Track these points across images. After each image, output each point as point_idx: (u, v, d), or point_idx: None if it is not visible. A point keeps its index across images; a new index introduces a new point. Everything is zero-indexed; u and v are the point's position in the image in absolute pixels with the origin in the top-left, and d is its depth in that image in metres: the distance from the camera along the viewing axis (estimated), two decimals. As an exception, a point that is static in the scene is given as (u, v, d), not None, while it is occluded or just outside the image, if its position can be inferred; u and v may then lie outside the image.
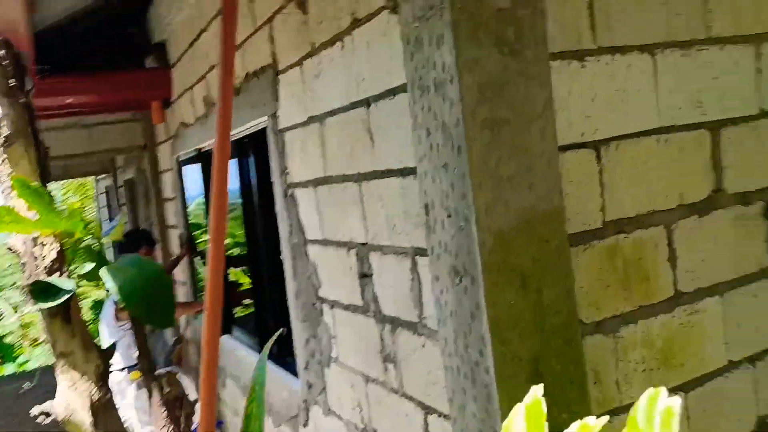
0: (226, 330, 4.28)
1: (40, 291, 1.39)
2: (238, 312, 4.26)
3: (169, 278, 1.32)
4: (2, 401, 7.36)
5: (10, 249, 1.47)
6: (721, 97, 1.81)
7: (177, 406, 1.32)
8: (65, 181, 13.93)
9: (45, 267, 1.44)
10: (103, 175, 10.98)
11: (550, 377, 1.45)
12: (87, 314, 14.28)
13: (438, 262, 1.56)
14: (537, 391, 0.43)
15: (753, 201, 1.86)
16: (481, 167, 1.39)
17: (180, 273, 5.45)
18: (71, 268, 1.49)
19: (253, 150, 3.25)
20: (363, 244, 2.12)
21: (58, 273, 1.45)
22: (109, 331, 4.45)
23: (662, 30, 1.73)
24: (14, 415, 6.69)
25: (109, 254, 10.83)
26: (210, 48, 3.67)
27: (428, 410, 1.88)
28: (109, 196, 10.92)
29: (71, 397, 1.44)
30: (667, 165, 1.72)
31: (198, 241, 5.00)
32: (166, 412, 1.32)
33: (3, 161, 1.47)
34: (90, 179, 14.60)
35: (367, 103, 1.97)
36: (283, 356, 3.12)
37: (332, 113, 2.21)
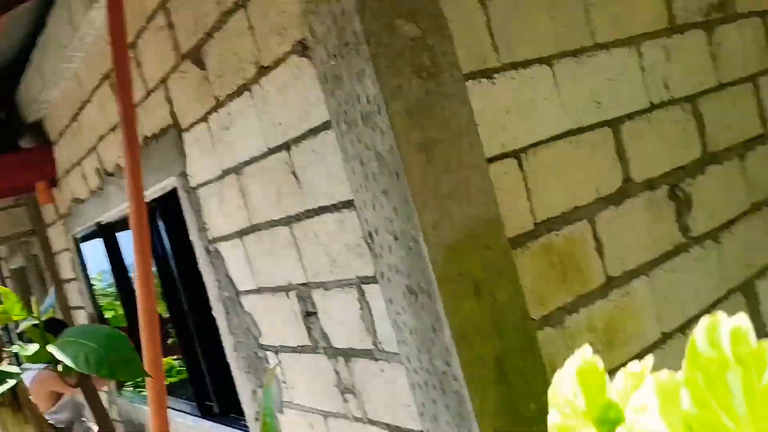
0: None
1: (-16, 382, 1.30)
2: (167, 381, 4.08)
3: (121, 334, 1.28)
4: None
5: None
6: (616, 96, 1.99)
7: None
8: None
9: (-14, 357, 1.35)
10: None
11: (515, 373, 1.52)
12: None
13: (390, 285, 1.60)
14: (586, 351, 0.40)
15: (658, 186, 2.04)
16: (422, 188, 1.46)
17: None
18: (13, 350, 1.41)
19: (163, 214, 3.17)
20: (303, 284, 2.13)
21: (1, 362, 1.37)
22: None
23: (554, 42, 1.88)
24: None
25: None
26: (97, 119, 3.56)
27: (396, 431, 1.90)
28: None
29: (38, 489, 1.35)
30: (581, 164, 1.86)
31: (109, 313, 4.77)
32: None
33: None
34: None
35: (287, 146, 2.00)
36: (226, 413, 3.03)
37: (249, 162, 2.22)
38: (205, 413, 3.35)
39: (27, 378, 4.11)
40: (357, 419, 2.06)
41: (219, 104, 2.29)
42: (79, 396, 4.66)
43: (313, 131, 1.86)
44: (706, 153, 2.24)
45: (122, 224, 4.02)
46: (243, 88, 2.14)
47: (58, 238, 5.13)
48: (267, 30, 1.96)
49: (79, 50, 3.35)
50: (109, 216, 3.87)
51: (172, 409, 3.95)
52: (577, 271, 1.80)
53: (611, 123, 1.97)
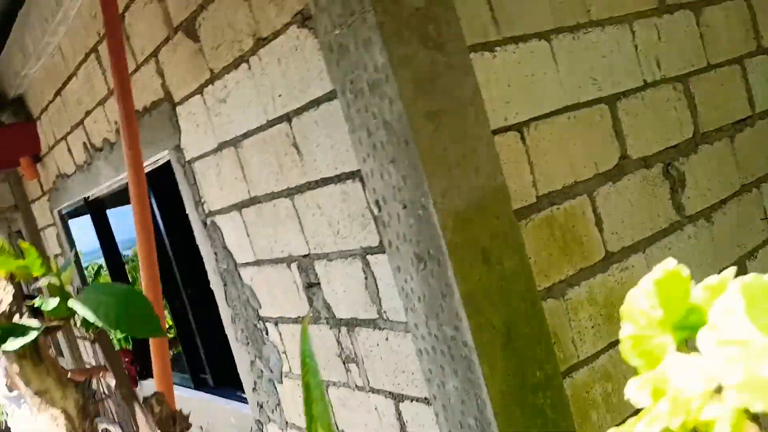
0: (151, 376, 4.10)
1: (4, 334, 1.31)
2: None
3: (139, 291, 1.29)
4: None
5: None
6: (611, 73, 2.02)
7: (171, 424, 1.29)
8: None
9: (3, 312, 1.35)
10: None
11: (521, 340, 1.55)
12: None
13: (398, 254, 1.63)
14: (669, 262, 0.39)
15: (653, 164, 2.08)
16: (431, 156, 1.48)
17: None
18: (35, 305, 1.42)
19: (155, 188, 3.16)
20: (305, 256, 2.14)
21: (18, 315, 1.37)
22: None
23: (552, 17, 1.90)
24: None
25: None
26: (83, 94, 3.52)
27: (399, 398, 1.93)
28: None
29: (55, 439, 1.36)
30: (580, 139, 1.89)
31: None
32: (159, 431, 1.29)
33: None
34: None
35: (287, 118, 2.00)
36: (220, 385, 3.05)
37: (248, 135, 2.22)
38: (199, 385, 3.37)
39: None
40: (359, 388, 2.09)
41: (214, 77, 2.28)
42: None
43: (315, 102, 1.87)
44: (698, 132, 2.28)
45: (112, 200, 3.99)
46: (240, 60, 2.14)
47: (43, 214, 5.07)
48: (264, 1, 1.95)
49: (63, 24, 3.30)
50: (97, 191, 3.84)
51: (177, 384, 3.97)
52: (578, 244, 1.83)
53: (607, 100, 2.00)
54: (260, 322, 2.54)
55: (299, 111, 1.93)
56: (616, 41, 2.05)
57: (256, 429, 2.78)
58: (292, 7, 1.85)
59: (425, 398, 1.86)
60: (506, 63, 1.78)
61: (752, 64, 2.56)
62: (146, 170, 2.97)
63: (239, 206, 2.41)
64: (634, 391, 0.39)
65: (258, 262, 2.42)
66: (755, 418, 0.32)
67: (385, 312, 1.89)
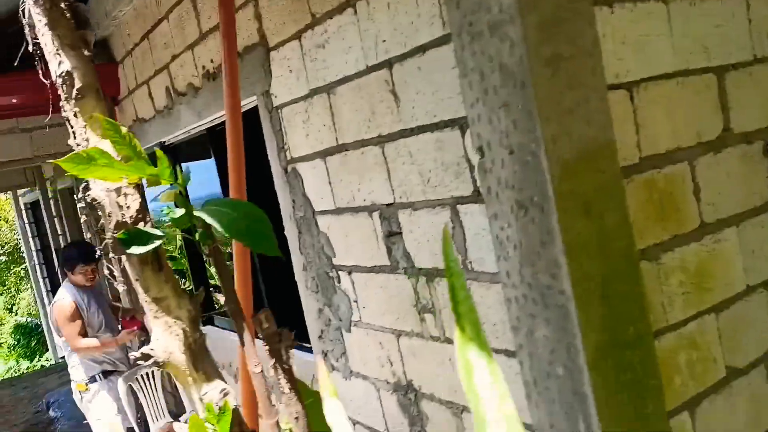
0: (207, 321, 4.21)
1: (130, 239, 1.36)
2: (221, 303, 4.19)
3: (261, 211, 1.33)
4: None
5: (94, 200, 1.43)
6: (723, 44, 1.96)
7: (277, 341, 1.33)
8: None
9: (131, 217, 1.41)
10: (24, 190, 10.46)
11: (617, 296, 1.54)
12: (8, 339, 13.55)
13: (497, 201, 1.62)
14: None
15: (754, 140, 2.03)
16: (546, 101, 1.47)
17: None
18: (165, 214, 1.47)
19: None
20: (389, 205, 2.16)
21: (142, 222, 1.42)
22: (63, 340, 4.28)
23: (670, -21, 1.86)
24: None
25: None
26: (173, 37, 3.59)
27: (476, 354, 1.94)
28: (35, 211, 10.40)
29: (168, 340, 1.42)
30: (686, 106, 1.85)
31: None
32: (267, 347, 1.33)
33: (75, 114, 1.43)
34: (6, 196, 13.86)
35: (389, 64, 2.01)
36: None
37: (343, 81, 2.23)
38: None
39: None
40: (434, 338, 2.11)
41: (315, 21, 2.30)
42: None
43: (421, 48, 1.87)
44: (803, 113, 2.21)
45: (187, 148, 4.08)
46: (345, 5, 2.15)
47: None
48: (377, -55, 1.95)
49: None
50: (174, 137, 3.93)
51: (220, 328, 4.06)
52: (674, 211, 1.80)
53: (716, 70, 1.95)
54: (333, 270, 2.57)
55: (403, 57, 1.94)
56: (732, 12, 2.00)
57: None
58: (403, -48, 1.85)
59: (505, 349, 1.86)
60: (623, 20, 1.75)
61: None
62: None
63: (324, 154, 2.43)
64: None
65: (337, 210, 2.45)
66: None
67: (470, 262, 1.89)
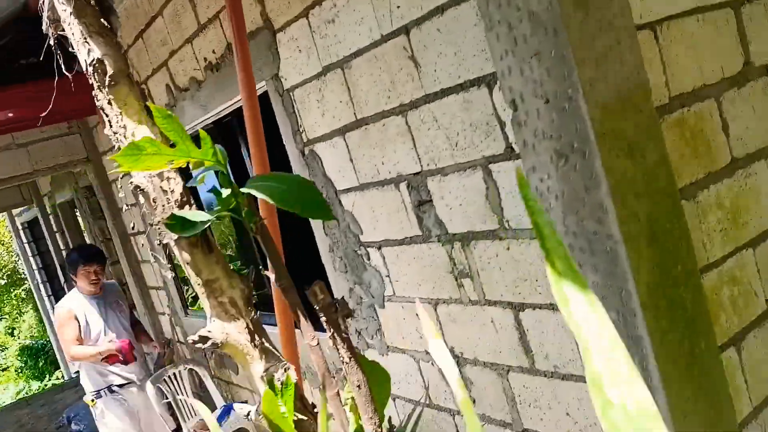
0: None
1: (179, 223, 1.35)
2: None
3: (309, 180, 1.33)
4: None
5: (137, 187, 1.42)
6: (735, -23, 1.96)
7: (333, 310, 1.33)
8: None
9: (175, 201, 1.40)
10: (20, 210, 10.39)
11: (664, 235, 1.55)
12: (15, 362, 13.52)
13: (534, 153, 1.62)
14: None
15: (774, 72, 2.03)
16: (580, 45, 1.46)
17: (151, 276, 5.27)
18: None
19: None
20: (416, 174, 2.15)
21: (187, 206, 1.42)
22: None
23: None
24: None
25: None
26: (169, 33, 3.56)
27: (519, 307, 1.95)
28: (33, 229, 10.34)
29: (224, 321, 1.42)
30: (708, 42, 1.85)
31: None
32: (324, 318, 1.33)
33: (109, 102, 1.42)
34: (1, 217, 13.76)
35: (405, 30, 2.00)
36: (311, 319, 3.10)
37: (357, 54, 2.22)
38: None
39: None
40: (473, 302, 2.11)
41: (323, -3, 2.29)
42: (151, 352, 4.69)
43: (439, 9, 1.86)
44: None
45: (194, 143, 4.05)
46: (353, -23, 2.13)
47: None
48: None
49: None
50: (179, 134, 3.90)
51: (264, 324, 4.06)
52: (706, 148, 1.81)
53: (732, 4, 1.95)
54: (361, 248, 2.57)
55: (420, 21, 1.93)
56: (740, -54, 1.99)
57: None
58: None
59: (550, 304, 1.87)
60: (641, -41, 1.74)
61: None
62: (238, 105, 3.01)
63: (343, 131, 2.42)
64: None
65: (361, 187, 2.44)
66: None
67: (507, 221, 1.90)
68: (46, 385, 11.25)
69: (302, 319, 1.47)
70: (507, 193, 1.86)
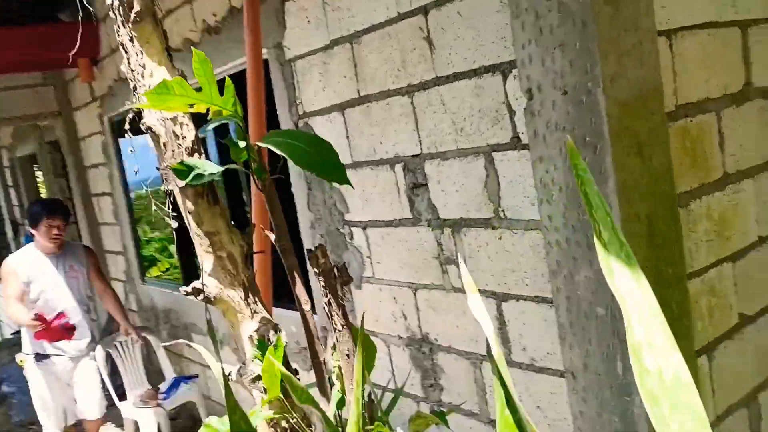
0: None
1: (187, 171, 1.33)
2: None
3: (326, 141, 1.32)
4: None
5: (149, 129, 1.39)
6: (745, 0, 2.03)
7: (332, 276, 1.33)
8: None
9: (186, 148, 1.37)
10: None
11: (660, 237, 1.59)
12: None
13: (543, 144, 1.65)
14: None
15: (770, 96, 2.10)
16: (606, 41, 1.49)
17: (111, 240, 5.14)
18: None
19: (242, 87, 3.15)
20: (415, 156, 2.16)
21: (197, 154, 1.39)
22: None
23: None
24: None
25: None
26: (165, -8, 3.48)
27: (503, 298, 1.97)
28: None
29: (220, 275, 1.40)
30: (715, 57, 1.91)
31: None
32: (323, 283, 1.33)
33: (131, 39, 1.38)
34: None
35: (424, 10, 2.00)
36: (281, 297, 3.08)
37: (370, 30, 2.21)
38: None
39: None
40: (456, 290, 2.13)
41: (340, -31, 2.27)
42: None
43: (462, -7, 1.87)
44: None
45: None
46: (375, -49, 2.12)
47: (87, 121, 5.05)
48: None
49: None
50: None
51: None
52: (703, 159, 1.86)
53: (741, 24, 2.01)
54: (345, 226, 2.56)
55: (440, 2, 1.93)
56: (751, -30, 2.06)
57: (322, 336, 2.81)
58: None
59: (535, 296, 1.89)
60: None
61: None
62: (236, 70, 2.97)
63: (343, 106, 2.41)
64: None
65: (354, 165, 2.43)
66: None
67: (503, 210, 1.92)
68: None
69: (298, 283, 1.46)
70: (507, 183, 1.88)
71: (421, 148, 2.13)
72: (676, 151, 1.78)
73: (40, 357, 3.96)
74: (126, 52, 1.43)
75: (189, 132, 1.39)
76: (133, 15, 1.37)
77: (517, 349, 2.01)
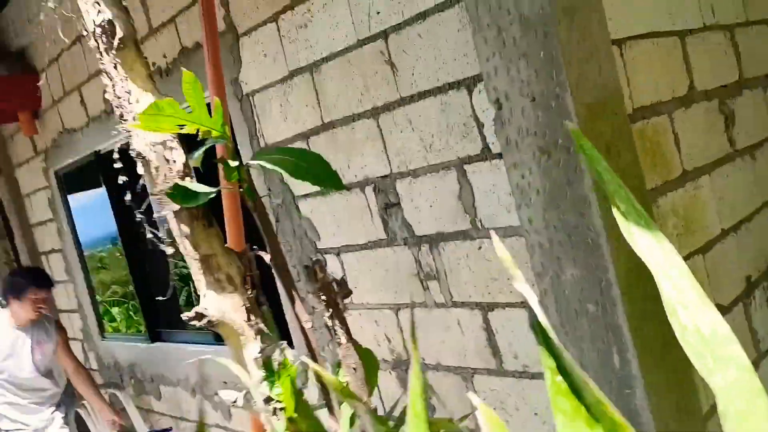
0: (155, 338, 4.02)
1: (181, 194, 1.32)
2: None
3: (316, 153, 1.34)
4: None
5: (139, 155, 1.37)
6: (681, 11, 2.16)
7: (332, 289, 1.34)
8: None
9: (177, 171, 1.36)
10: None
11: (637, 231, 1.65)
12: None
13: (516, 150, 1.70)
14: None
15: (712, 98, 2.23)
16: (567, 49, 1.57)
17: (65, 299, 4.97)
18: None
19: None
20: (384, 177, 2.19)
21: (188, 177, 1.38)
22: None
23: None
24: None
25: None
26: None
27: (489, 308, 2.00)
28: None
29: (219, 299, 1.38)
30: (661, 63, 2.02)
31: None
32: (324, 298, 1.33)
33: (115, 66, 1.38)
34: None
35: (384, 35, 2.06)
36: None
37: (329, 58, 2.26)
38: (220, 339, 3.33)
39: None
40: (439, 305, 2.15)
41: (296, 1, 2.31)
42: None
43: (421, 15, 1.93)
44: (742, 78, 2.46)
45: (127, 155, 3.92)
46: (331, -18, 2.18)
47: (31, 177, 4.91)
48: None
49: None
50: (114, 144, 3.76)
51: (171, 341, 3.89)
52: (662, 158, 1.96)
53: (679, 34, 2.14)
54: (318, 254, 2.56)
55: (400, 27, 1.99)
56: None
57: (302, 371, 2.78)
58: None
59: (521, 302, 1.93)
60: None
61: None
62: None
63: (307, 135, 2.43)
64: None
65: (323, 192, 2.45)
66: None
67: (479, 221, 1.96)
68: None
69: (297, 301, 1.46)
70: (481, 193, 1.93)
71: (391, 168, 2.16)
72: (639, 151, 1.86)
73: None
74: (111, 79, 1.43)
75: (179, 156, 1.39)
76: (116, 41, 1.37)
77: (509, 358, 2.04)
